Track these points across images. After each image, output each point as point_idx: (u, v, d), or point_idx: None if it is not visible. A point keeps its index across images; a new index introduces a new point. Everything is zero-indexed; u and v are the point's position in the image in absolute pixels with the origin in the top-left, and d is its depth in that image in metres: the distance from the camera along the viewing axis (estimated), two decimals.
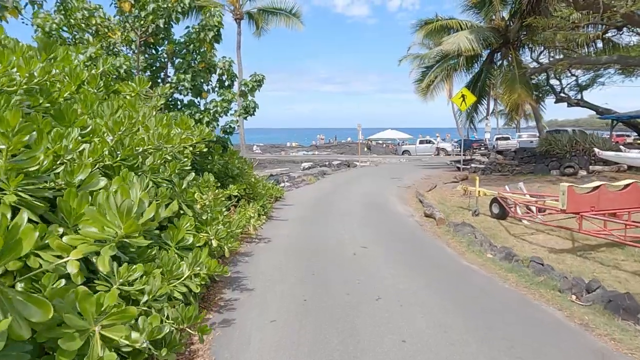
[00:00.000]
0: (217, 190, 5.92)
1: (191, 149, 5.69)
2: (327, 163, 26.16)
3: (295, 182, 17.18)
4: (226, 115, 7.89)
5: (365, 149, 38.95)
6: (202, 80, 7.89)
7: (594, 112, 23.17)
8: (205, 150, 6.52)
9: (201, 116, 6.95)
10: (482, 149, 36.24)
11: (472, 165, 19.33)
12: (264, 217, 9.01)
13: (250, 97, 8.31)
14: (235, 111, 9.11)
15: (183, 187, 4.48)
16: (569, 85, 24.55)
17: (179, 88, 6.98)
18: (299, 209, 10.77)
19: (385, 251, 6.74)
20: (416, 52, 42.92)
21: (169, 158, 4.47)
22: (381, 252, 6.66)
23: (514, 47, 19.90)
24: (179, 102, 7.74)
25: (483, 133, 43.24)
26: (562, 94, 22.84)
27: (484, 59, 21.39)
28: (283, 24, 18.50)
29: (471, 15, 21.37)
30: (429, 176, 19.13)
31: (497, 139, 36.63)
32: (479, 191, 9.63)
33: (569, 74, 24.58)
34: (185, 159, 4.95)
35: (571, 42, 17.34)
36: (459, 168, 22.13)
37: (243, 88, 8.08)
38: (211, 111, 7.09)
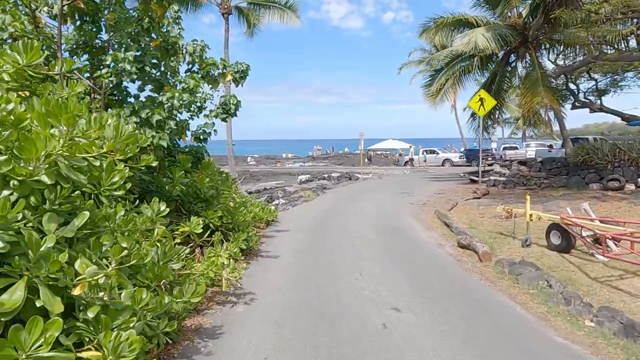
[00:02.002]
0: (164, 228, 3.64)
1: (128, 162, 3.48)
2: (326, 175, 23.94)
3: (291, 198, 14.90)
4: (190, 112, 5.63)
5: (366, 160, 36.80)
6: (163, 69, 5.66)
7: (611, 119, 21.21)
8: (154, 164, 4.26)
9: (150, 114, 4.71)
10: (489, 159, 34.28)
11: (491, 177, 17.12)
12: (249, 254, 6.71)
13: (223, 86, 6.08)
14: (211, 111, 6.87)
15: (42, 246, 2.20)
16: (588, 90, 22.57)
17: (119, 73, 4.76)
18: (296, 237, 8.47)
19: (429, 318, 4.43)
20: (417, 58, 41.31)
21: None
22: (424, 321, 4.36)
23: (533, 46, 17.90)
24: (133, 98, 5.51)
25: (489, 143, 41.39)
26: (584, 99, 20.82)
27: (499, 60, 19.37)
28: (277, 18, 16.45)
29: (483, 13, 19.41)
30: (442, 190, 16.91)
31: (505, 148, 34.65)
32: (530, 214, 7.37)
33: (588, 78, 22.63)
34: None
35: (600, 38, 15.32)
36: (472, 180, 19.99)
37: (213, 71, 5.83)
38: (165, 106, 4.86)
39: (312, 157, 52.03)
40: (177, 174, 5.29)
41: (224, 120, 6.83)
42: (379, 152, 46.70)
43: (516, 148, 35.31)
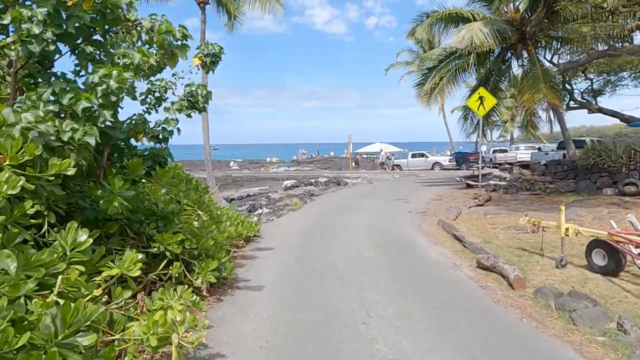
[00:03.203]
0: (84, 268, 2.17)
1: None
2: (313, 180, 22.51)
3: (276, 207, 13.42)
4: (147, 103, 4.13)
5: (354, 164, 35.54)
6: (100, 39, 4.15)
7: (607, 120, 20.46)
8: (70, 171, 2.80)
9: (73, 100, 3.22)
10: (479, 162, 33.37)
11: (491, 182, 15.99)
12: (222, 286, 5.23)
13: (181, 65, 4.60)
14: (173, 103, 5.38)
15: None
16: (584, 91, 21.84)
17: (27, 40, 3.28)
18: (282, 258, 7.01)
19: None
20: (405, 59, 40.44)
21: None
22: None
23: (532, 42, 16.91)
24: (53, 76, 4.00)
25: (479, 146, 40.63)
26: (581, 100, 19.98)
27: (495, 57, 18.35)
28: (259, 6, 14.99)
29: (478, 8, 18.35)
30: (439, 196, 15.68)
31: (495, 151, 33.86)
32: (566, 228, 6.08)
33: (584, 78, 21.89)
34: None
35: (605, 33, 14.40)
36: (469, 185, 18.87)
37: (169, 39, 4.31)
38: (98, 89, 3.39)
39: (297, 161, 50.60)
40: (117, 183, 3.81)
41: (189, 115, 5.34)
42: (364, 156, 45.56)
43: (506, 151, 34.61)
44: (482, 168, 28.03)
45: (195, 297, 3.61)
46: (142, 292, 3.59)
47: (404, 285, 5.56)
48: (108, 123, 3.71)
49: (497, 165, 31.97)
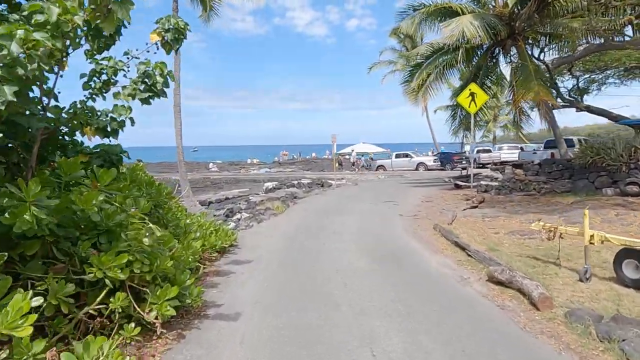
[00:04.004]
0: None
1: None
2: (295, 182, 21.50)
3: (256, 211, 12.35)
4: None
5: (337, 165, 34.67)
6: None
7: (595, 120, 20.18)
8: None
9: None
10: (463, 162, 33.05)
11: (482, 182, 15.32)
12: (186, 316, 4.18)
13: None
14: (124, 87, 4.31)
15: None
16: (571, 89, 21.52)
17: None
18: (262, 274, 5.99)
19: None
20: (388, 58, 39.88)
21: None
22: None
23: (522, 38, 16.37)
24: None
25: (464, 146, 40.40)
26: (569, 98, 19.59)
27: (483, 52, 17.75)
28: None
29: (465, 3, 17.73)
30: (429, 198, 14.91)
31: (479, 151, 33.56)
32: (591, 235, 5.28)
33: (570, 76, 21.58)
34: None
35: (601, 28, 13.90)
36: (458, 186, 18.22)
37: None
38: None
39: (279, 162, 49.53)
40: (33, 189, 2.74)
41: (146, 101, 4.27)
42: (347, 157, 44.82)
43: (490, 151, 34.41)
44: (466, 168, 27.64)
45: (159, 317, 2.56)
46: (53, 349, 2.51)
47: (410, 307, 4.62)
48: (14, 102, 2.62)
49: (482, 165, 31.73)
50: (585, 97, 22.66)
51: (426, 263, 6.55)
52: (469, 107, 13.96)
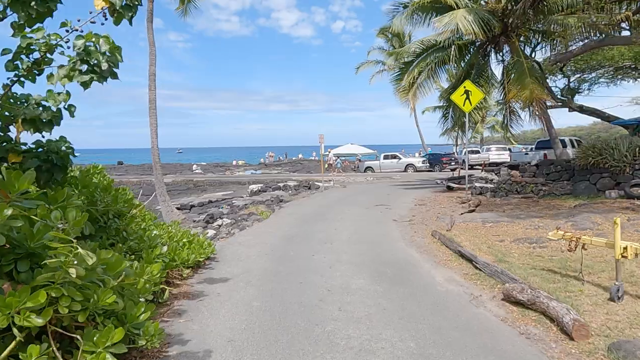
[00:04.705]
0: None
1: None
2: (281, 185, 20.60)
3: (239, 216, 11.43)
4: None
5: (326, 166, 33.84)
6: None
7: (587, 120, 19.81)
8: None
9: None
10: (452, 163, 32.61)
11: (476, 184, 14.67)
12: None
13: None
14: (61, 67, 3.39)
15: None
16: (562, 88, 21.15)
17: None
18: (240, 295, 5.09)
19: None
20: (375, 58, 39.29)
21: None
22: None
23: (515, 35, 15.82)
24: None
25: (453, 147, 40.02)
26: (561, 97, 19.19)
27: (475, 49, 17.16)
28: None
29: None
30: (422, 201, 14.20)
31: (468, 152, 33.21)
32: (624, 248, 4.55)
33: (562, 75, 21.22)
34: None
35: (591, 25, 13.41)
36: (450, 188, 17.61)
37: None
38: None
39: (265, 164, 48.49)
40: None
41: (86, 85, 3.36)
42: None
43: (478, 152, 34.12)
44: (458, 170, 27.11)
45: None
46: None
47: (420, 339, 3.80)
48: None
49: (471, 166, 31.34)
50: (576, 97, 22.38)
51: (431, 278, 5.75)
52: (464, 105, 13.30)
